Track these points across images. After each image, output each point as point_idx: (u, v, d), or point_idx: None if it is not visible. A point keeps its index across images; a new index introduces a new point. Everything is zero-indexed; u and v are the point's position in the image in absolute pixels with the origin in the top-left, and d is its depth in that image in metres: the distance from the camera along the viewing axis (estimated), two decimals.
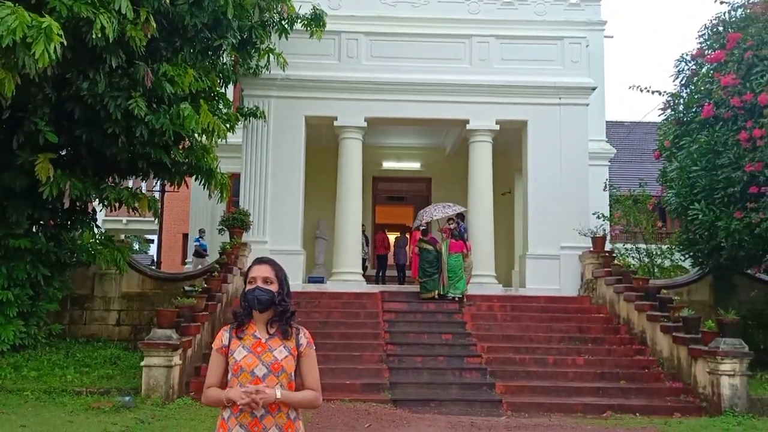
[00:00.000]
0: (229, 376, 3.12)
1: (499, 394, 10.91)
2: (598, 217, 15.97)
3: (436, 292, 14.31)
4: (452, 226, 14.78)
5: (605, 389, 11.18)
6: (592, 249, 15.11)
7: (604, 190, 17.94)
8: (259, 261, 3.26)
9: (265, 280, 3.15)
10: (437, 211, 15.23)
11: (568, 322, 13.65)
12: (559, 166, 15.88)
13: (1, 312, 11.41)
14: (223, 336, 3.18)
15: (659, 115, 14.78)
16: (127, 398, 9.90)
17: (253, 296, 3.11)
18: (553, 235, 15.56)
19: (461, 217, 16.35)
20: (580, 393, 11.02)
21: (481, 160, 16.22)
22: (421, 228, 15.10)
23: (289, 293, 3.26)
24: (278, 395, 3.01)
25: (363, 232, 18.83)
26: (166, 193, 21.85)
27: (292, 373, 3.15)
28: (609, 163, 20.85)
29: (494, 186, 16.53)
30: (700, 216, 12.42)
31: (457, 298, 14.19)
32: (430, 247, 14.59)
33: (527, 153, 16.22)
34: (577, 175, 15.93)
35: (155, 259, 23.71)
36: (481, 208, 16.04)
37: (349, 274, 15.64)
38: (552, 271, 15.45)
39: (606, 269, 14.48)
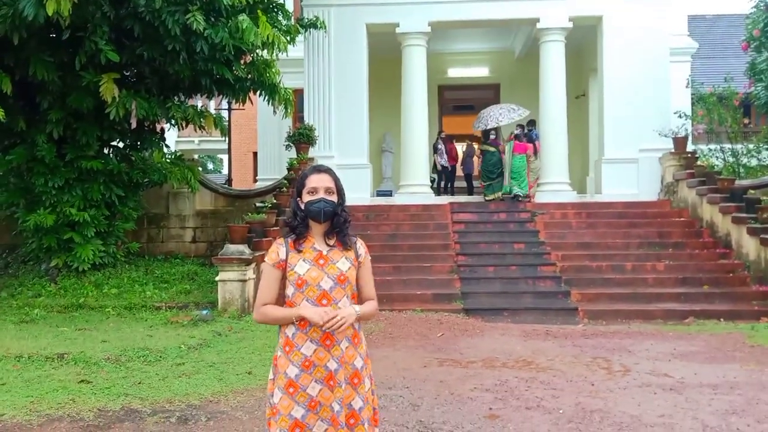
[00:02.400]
0: (291, 291, 2.94)
1: (575, 302, 10.67)
2: (680, 117, 15.04)
3: (500, 193, 14.59)
4: (517, 132, 14.58)
5: (687, 295, 10.76)
6: (673, 150, 14.34)
7: (686, 87, 16.85)
8: (318, 170, 3.03)
9: (328, 191, 2.96)
10: (503, 116, 14.76)
11: (647, 228, 13.12)
12: (637, 63, 14.91)
13: (80, 232, 11.78)
14: (279, 250, 2.97)
15: (748, 1, 13.55)
16: (204, 312, 10.16)
17: (319, 208, 2.92)
18: (631, 138, 14.81)
19: (533, 122, 15.84)
20: (660, 299, 10.66)
21: (553, 61, 15.36)
22: (482, 130, 14.96)
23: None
24: (358, 311, 2.92)
25: (443, 138, 18.21)
26: (233, 112, 21.86)
27: (355, 284, 3.03)
28: (691, 59, 19.59)
29: (567, 89, 15.73)
30: None
31: (520, 197, 14.23)
32: (492, 149, 14.59)
33: (603, 51, 15.26)
34: (656, 72, 14.96)
35: (229, 177, 24.09)
36: (553, 113, 15.30)
37: (416, 187, 15.40)
38: (629, 175, 14.79)
39: (688, 171, 13.72)
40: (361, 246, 3.08)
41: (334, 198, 2.98)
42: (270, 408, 2.94)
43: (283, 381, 2.90)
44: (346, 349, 2.92)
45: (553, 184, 15.01)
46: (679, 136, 14.23)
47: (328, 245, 2.99)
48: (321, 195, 2.95)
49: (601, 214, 13.80)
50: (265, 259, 3.00)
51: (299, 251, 2.96)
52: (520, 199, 14.48)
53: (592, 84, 17.87)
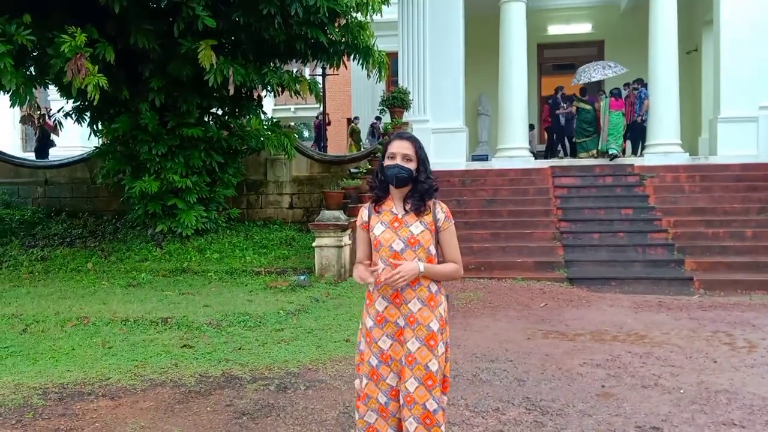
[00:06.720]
0: (372, 251, 3.15)
1: (690, 271, 9.99)
2: None
3: (594, 151, 14.57)
4: (614, 89, 14.61)
5: None
6: None
7: None
8: (400, 136, 3.14)
9: (405, 158, 3.06)
10: (597, 72, 14.24)
11: None
12: (757, 14, 13.65)
13: (183, 199, 12.06)
14: (363, 213, 3.20)
15: None
16: (302, 277, 10.18)
17: (393, 174, 3.05)
18: (750, 95, 13.65)
19: (641, 81, 14.98)
20: None
21: (664, 13, 14.26)
22: (579, 88, 14.67)
23: (430, 171, 3.14)
24: (422, 269, 2.99)
25: (562, 94, 17.15)
26: (327, 79, 21.80)
27: (430, 247, 3.08)
28: None
29: (678, 44, 14.63)
30: None
31: (615, 155, 14.15)
32: (587, 107, 14.49)
33: (719, 1, 14.04)
34: None
35: (324, 144, 24.18)
36: (663, 70, 14.23)
37: (514, 150, 14.84)
38: (748, 135, 13.67)
39: None
40: (440, 211, 3.12)
41: (411, 165, 3.05)
42: (359, 354, 3.17)
43: (363, 331, 3.16)
44: (418, 311, 3.02)
45: (663, 145, 14.08)
46: None
47: (405, 210, 3.09)
48: (397, 161, 3.05)
49: (716, 177, 12.87)
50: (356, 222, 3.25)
51: (379, 213, 3.14)
52: (613, 158, 14.09)
53: (706, 38, 16.61)
